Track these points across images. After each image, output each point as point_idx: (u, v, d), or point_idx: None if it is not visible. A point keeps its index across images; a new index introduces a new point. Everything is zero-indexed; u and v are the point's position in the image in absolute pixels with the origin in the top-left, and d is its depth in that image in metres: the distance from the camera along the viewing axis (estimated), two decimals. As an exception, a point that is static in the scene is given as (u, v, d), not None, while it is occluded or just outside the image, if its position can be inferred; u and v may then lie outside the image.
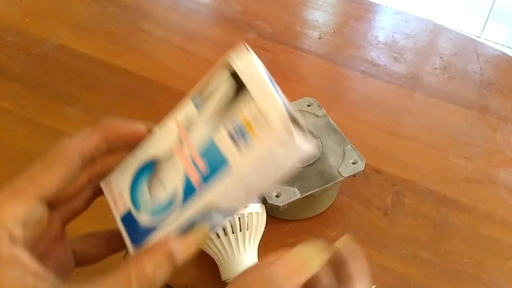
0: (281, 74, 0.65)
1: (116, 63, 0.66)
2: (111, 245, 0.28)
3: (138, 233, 0.25)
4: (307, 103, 0.52)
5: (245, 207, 0.41)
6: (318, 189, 0.45)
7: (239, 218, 0.41)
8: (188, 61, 0.67)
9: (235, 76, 0.23)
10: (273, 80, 0.23)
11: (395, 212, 0.51)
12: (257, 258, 0.43)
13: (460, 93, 0.65)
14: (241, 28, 0.72)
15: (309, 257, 0.23)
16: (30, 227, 0.23)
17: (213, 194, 0.22)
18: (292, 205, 0.44)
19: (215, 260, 0.42)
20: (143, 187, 0.25)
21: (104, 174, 0.26)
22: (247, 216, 0.41)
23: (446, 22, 0.86)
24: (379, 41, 0.73)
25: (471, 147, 0.58)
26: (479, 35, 1.76)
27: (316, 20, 0.76)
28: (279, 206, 0.43)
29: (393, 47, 0.72)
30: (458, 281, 0.46)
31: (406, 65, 0.69)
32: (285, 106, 0.22)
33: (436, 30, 0.76)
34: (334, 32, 0.74)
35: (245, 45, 0.23)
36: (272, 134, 0.21)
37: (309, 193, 0.44)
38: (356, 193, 0.52)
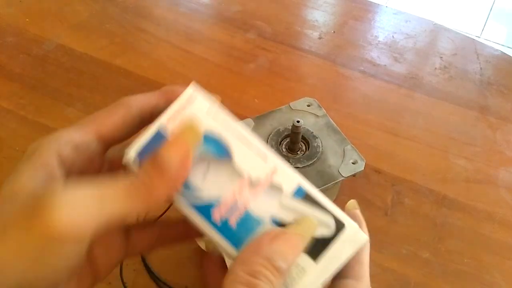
0: (281, 74, 0.65)
1: (116, 63, 0.66)
2: None
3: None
4: (307, 103, 0.52)
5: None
6: (318, 189, 0.45)
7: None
8: (188, 61, 0.67)
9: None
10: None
11: (395, 212, 0.51)
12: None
13: (460, 93, 0.65)
14: (241, 28, 0.72)
15: (306, 231, 0.23)
16: (81, 156, 0.23)
17: None
18: (292, 205, 0.44)
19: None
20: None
21: None
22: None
23: (446, 22, 0.86)
24: (379, 41, 0.73)
25: (471, 147, 0.58)
26: (479, 35, 1.76)
27: (316, 20, 0.76)
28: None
29: (393, 47, 0.72)
30: (458, 281, 0.46)
31: (406, 65, 0.69)
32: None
33: (436, 30, 0.76)
34: (334, 32, 0.74)
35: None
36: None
37: (309, 193, 0.44)
38: (356, 193, 0.52)
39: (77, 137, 0.23)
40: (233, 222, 0.23)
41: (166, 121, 0.24)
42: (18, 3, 0.75)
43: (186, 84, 0.26)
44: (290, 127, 0.45)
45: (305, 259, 0.22)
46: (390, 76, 0.67)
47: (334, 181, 0.45)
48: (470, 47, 0.73)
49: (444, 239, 0.49)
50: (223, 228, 0.23)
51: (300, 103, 0.52)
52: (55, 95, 0.61)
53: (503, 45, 1.73)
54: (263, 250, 0.21)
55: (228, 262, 0.25)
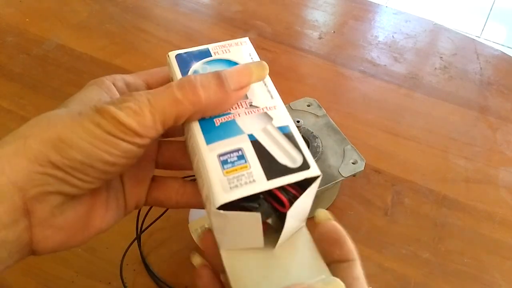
0: (281, 74, 0.65)
1: (116, 63, 0.66)
2: None
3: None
4: (307, 103, 0.52)
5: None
6: (318, 189, 0.45)
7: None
8: (188, 61, 0.67)
9: None
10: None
11: (395, 212, 0.51)
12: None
13: (460, 93, 0.65)
14: (241, 28, 0.72)
15: None
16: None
17: None
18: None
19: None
20: None
21: None
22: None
23: (446, 22, 0.86)
24: (379, 41, 0.73)
25: (471, 147, 0.58)
26: (479, 35, 1.76)
27: (316, 20, 0.76)
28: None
29: (393, 47, 0.72)
30: (458, 281, 0.46)
31: (406, 65, 0.69)
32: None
33: (436, 30, 0.76)
34: (334, 32, 0.74)
35: None
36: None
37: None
38: (356, 193, 0.52)
39: (129, 78, 0.28)
40: (218, 122, 0.25)
41: (215, 46, 0.28)
42: (18, 3, 0.75)
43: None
44: (290, 127, 0.44)
45: (259, 173, 0.23)
46: (390, 76, 0.67)
47: (334, 181, 0.45)
48: (470, 47, 0.73)
49: (444, 239, 0.49)
50: (207, 122, 0.25)
51: (300, 103, 0.52)
52: (55, 95, 0.61)
53: (503, 45, 1.73)
54: None
55: (223, 277, 0.26)
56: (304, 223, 0.28)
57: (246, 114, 0.25)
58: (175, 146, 0.31)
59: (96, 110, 0.22)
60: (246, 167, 0.23)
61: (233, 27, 0.72)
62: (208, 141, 0.24)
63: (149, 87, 0.29)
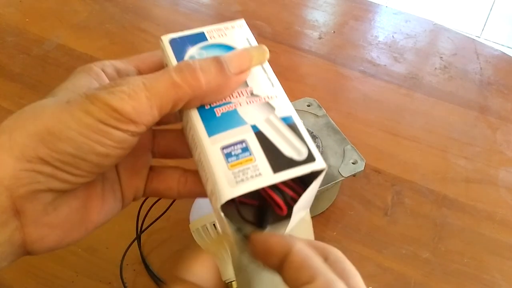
0: (281, 74, 0.65)
1: (116, 63, 0.66)
2: None
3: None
4: (307, 103, 0.52)
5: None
6: (318, 189, 0.45)
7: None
8: (188, 61, 0.67)
9: None
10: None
11: (395, 212, 0.51)
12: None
13: (460, 93, 0.65)
14: (241, 28, 0.72)
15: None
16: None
17: None
18: (292, 205, 0.44)
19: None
20: None
21: None
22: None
23: (446, 22, 0.86)
24: (379, 41, 0.73)
25: (471, 147, 0.58)
26: (479, 35, 1.76)
27: (316, 20, 0.76)
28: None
29: (393, 47, 0.72)
30: (458, 281, 0.46)
31: (406, 65, 0.69)
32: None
33: (436, 30, 0.76)
34: (334, 32, 0.74)
35: None
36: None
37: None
38: (356, 193, 0.52)
39: (119, 64, 0.26)
40: (219, 112, 0.24)
41: (210, 30, 0.27)
42: (18, 3, 0.75)
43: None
44: (290, 127, 0.44)
45: (265, 166, 0.22)
46: (390, 76, 0.67)
47: (334, 181, 0.45)
48: (470, 47, 0.73)
49: (444, 239, 0.49)
50: (207, 112, 0.24)
51: (300, 103, 0.52)
52: (55, 95, 0.61)
53: (503, 45, 1.73)
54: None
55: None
56: (307, 210, 0.27)
57: (247, 103, 0.24)
58: (171, 135, 0.29)
59: (86, 97, 0.21)
60: (251, 159, 0.22)
61: (233, 27, 0.72)
62: (210, 133, 0.23)
63: (140, 73, 0.27)
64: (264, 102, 0.25)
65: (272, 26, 0.73)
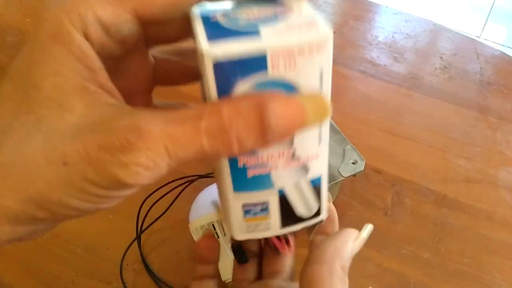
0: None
1: (116, 63, 0.66)
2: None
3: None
4: (307, 103, 0.52)
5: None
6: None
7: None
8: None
9: None
10: None
11: (395, 212, 0.51)
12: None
13: (460, 93, 0.65)
14: (241, 28, 0.72)
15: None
16: (112, 42, 0.19)
17: None
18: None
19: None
20: None
21: None
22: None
23: (446, 22, 0.86)
24: (379, 41, 0.73)
25: (471, 147, 0.58)
26: (479, 35, 1.76)
27: (316, 20, 0.76)
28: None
29: (393, 47, 0.72)
30: (458, 281, 0.46)
31: (406, 65, 0.69)
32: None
33: (436, 30, 0.76)
34: (334, 32, 0.74)
35: None
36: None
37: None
38: (356, 193, 0.52)
39: (106, 15, 0.18)
40: (250, 174, 0.21)
41: (276, 54, 0.17)
42: (18, 3, 0.75)
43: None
44: (290, 127, 0.44)
45: (276, 222, 0.24)
46: (390, 76, 0.67)
47: (334, 181, 0.45)
48: (470, 47, 0.73)
49: (444, 239, 0.49)
50: (239, 171, 0.21)
51: (300, 103, 0.52)
52: (55, 95, 0.61)
53: (503, 45, 1.73)
54: (347, 251, 0.24)
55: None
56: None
57: (283, 168, 0.21)
58: (174, 67, 0.25)
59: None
60: (266, 218, 0.24)
61: (233, 27, 0.72)
62: (236, 188, 0.22)
63: (140, 20, 0.19)
64: (302, 165, 0.22)
65: (272, 26, 0.73)
